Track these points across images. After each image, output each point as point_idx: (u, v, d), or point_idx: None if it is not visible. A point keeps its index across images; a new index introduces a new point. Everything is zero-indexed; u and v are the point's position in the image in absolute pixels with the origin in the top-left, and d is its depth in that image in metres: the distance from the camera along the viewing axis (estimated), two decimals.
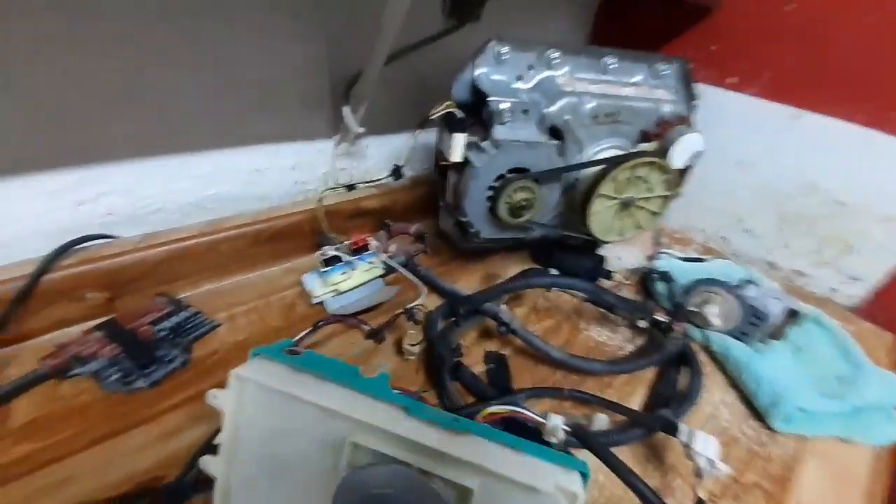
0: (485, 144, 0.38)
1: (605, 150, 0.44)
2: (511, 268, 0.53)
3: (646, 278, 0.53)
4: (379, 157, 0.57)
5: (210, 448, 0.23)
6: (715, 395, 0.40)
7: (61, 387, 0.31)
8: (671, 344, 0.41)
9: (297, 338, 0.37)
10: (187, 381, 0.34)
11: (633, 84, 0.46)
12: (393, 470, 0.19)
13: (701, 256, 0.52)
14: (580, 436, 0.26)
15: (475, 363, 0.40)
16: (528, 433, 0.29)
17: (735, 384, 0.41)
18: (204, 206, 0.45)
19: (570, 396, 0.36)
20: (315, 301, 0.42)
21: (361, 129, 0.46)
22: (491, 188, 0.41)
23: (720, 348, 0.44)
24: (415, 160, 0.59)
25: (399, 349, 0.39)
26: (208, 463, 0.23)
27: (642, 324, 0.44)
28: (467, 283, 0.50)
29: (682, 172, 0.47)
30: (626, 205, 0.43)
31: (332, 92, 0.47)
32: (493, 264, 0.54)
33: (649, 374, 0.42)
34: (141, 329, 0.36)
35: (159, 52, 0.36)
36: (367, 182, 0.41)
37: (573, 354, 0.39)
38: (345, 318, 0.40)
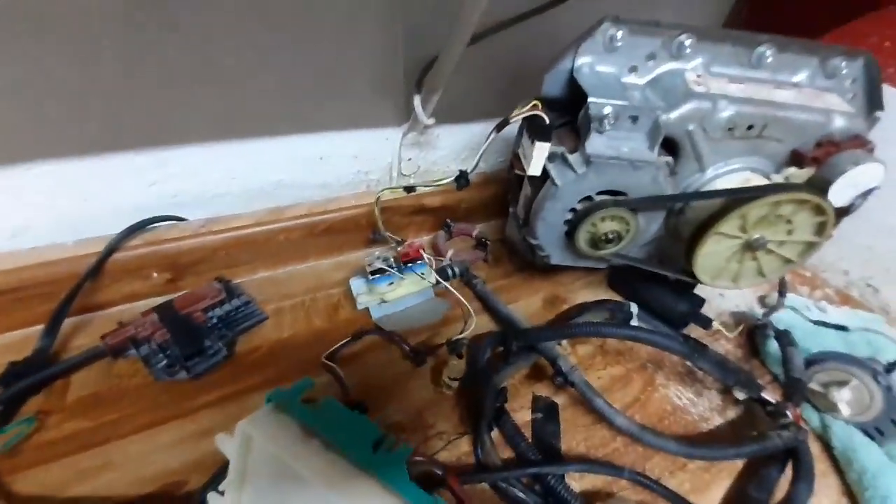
0: (573, 158, 0.31)
1: (736, 172, 0.34)
2: (581, 293, 0.46)
3: (755, 332, 0.42)
4: (451, 148, 0.51)
5: (217, 480, 0.22)
6: None
7: (116, 366, 0.33)
8: (779, 436, 0.32)
9: (332, 349, 0.35)
10: (227, 377, 0.34)
11: (794, 85, 0.34)
12: None
13: (842, 324, 0.40)
14: None
15: (521, 408, 0.35)
16: None
17: (854, 495, 0.32)
18: (267, 191, 0.44)
19: (630, 478, 0.30)
20: (360, 307, 0.40)
21: (431, 121, 0.41)
22: (572, 209, 0.33)
23: (843, 446, 0.34)
24: (488, 153, 0.52)
25: (437, 377, 0.35)
26: (214, 501, 0.22)
27: (741, 395, 0.35)
28: (527, 304, 0.44)
29: (842, 212, 0.35)
30: (751, 246, 0.33)
31: (405, 78, 0.42)
32: (560, 285, 0.47)
33: (739, 463, 0.34)
34: (194, 315, 0.36)
35: (235, 35, 0.34)
36: (427, 184, 0.36)
37: (643, 426, 0.32)
38: (385, 334, 0.37)
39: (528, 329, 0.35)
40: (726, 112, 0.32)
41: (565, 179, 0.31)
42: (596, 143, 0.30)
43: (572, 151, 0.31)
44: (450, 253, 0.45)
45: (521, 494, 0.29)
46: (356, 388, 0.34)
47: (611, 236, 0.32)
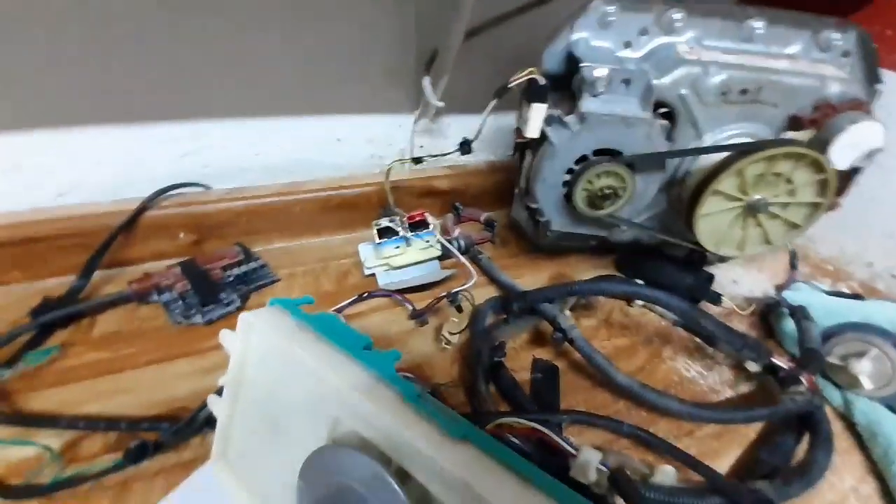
0: (568, 119, 0.32)
1: (734, 138, 0.35)
2: (588, 274, 0.46)
3: (770, 312, 0.41)
4: (460, 137, 0.54)
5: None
6: (846, 481, 0.29)
7: (140, 310, 0.36)
8: (793, 400, 0.31)
9: (339, 305, 0.36)
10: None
11: (788, 56, 0.35)
12: (365, 463, 0.16)
13: (859, 294, 0.39)
14: (621, 484, 0.19)
15: (520, 369, 0.35)
16: (554, 466, 0.23)
17: (879, 472, 0.30)
18: (287, 168, 0.47)
19: (629, 433, 0.29)
20: (367, 272, 0.41)
21: (440, 103, 0.44)
22: (569, 171, 0.35)
23: (866, 420, 0.32)
24: (495, 144, 0.55)
25: (439, 335, 0.36)
26: (214, 402, 0.23)
27: (753, 367, 0.34)
28: (532, 280, 0.44)
29: (846, 176, 0.35)
30: (752, 209, 0.34)
31: (416, 65, 0.45)
32: (565, 265, 0.47)
33: (751, 432, 0.32)
34: (213, 271, 0.39)
35: (261, 18, 0.39)
36: (434, 155, 0.38)
37: (645, 384, 0.31)
38: (391, 294, 0.38)
39: (529, 291, 0.36)
40: (718, 76, 0.33)
41: (561, 137, 0.33)
42: (590, 103, 0.32)
43: (568, 114, 0.33)
44: (457, 232, 0.47)
45: (515, 440, 0.28)
46: None
47: (607, 191, 0.33)
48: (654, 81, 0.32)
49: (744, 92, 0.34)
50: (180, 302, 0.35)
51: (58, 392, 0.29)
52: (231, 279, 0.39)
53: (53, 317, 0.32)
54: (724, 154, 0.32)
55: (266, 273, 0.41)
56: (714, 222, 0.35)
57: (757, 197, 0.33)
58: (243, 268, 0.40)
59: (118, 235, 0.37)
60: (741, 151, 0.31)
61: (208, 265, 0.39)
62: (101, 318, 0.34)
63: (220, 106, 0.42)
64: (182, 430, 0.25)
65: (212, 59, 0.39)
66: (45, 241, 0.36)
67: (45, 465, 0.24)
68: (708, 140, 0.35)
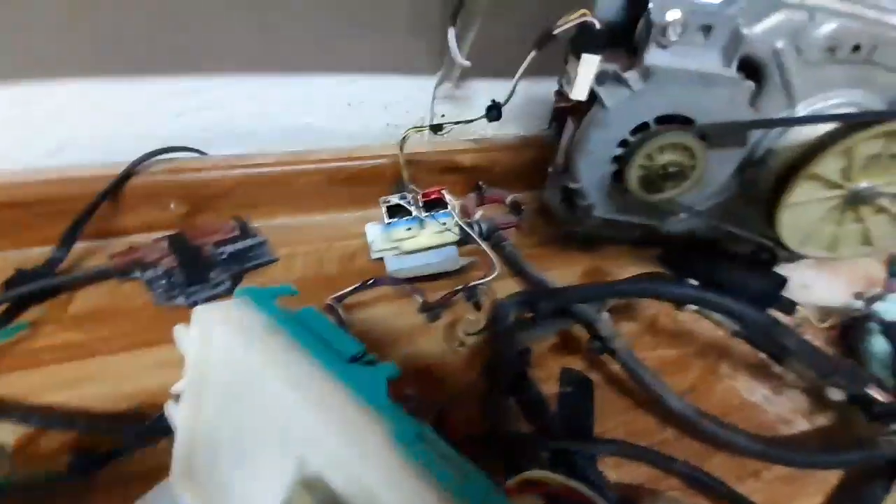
0: (628, 75, 0.26)
1: (836, 108, 0.27)
2: (629, 269, 0.40)
3: (854, 326, 0.34)
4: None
5: None
6: None
7: (122, 287, 0.32)
8: (890, 443, 0.25)
9: (339, 293, 0.32)
10: None
11: None
12: None
13: None
14: None
15: (546, 378, 0.29)
16: None
17: None
18: (293, 135, 0.42)
19: (683, 473, 0.24)
20: (374, 256, 0.36)
21: (466, 62, 0.38)
22: (623, 143, 0.28)
23: None
24: (528, 115, 0.48)
25: (452, 334, 0.31)
26: (171, 412, 0.19)
27: (836, 395, 0.28)
28: (562, 275, 0.39)
29: None
30: (855, 200, 0.27)
31: (441, 16, 0.39)
32: (602, 258, 0.41)
33: (830, 476, 0.26)
34: (204, 247, 0.35)
35: None
36: (457, 122, 0.32)
37: (704, 412, 0.25)
38: (399, 283, 0.33)
39: (562, 288, 0.30)
40: (826, 26, 0.26)
41: (617, 99, 0.26)
42: (657, 55, 0.25)
43: (626, 70, 0.27)
44: (478, 214, 0.41)
45: None
46: (360, 337, 0.30)
47: (671, 170, 0.26)
48: (743, 30, 0.25)
49: (856, 49, 0.26)
50: (164, 280, 0.32)
51: (21, 376, 0.26)
52: (224, 257, 0.35)
53: (22, 291, 0.28)
54: (828, 128, 0.25)
55: (263, 251, 0.37)
56: (802, 214, 0.28)
57: (864, 185, 0.26)
58: (238, 245, 0.36)
59: (101, 202, 0.33)
60: (855, 124, 0.24)
61: (199, 240, 0.35)
62: (80, 293, 0.31)
63: (221, 59, 0.37)
64: (144, 435, 0.21)
65: (214, 6, 0.34)
66: (24, 207, 0.33)
67: None
68: (802, 110, 0.28)
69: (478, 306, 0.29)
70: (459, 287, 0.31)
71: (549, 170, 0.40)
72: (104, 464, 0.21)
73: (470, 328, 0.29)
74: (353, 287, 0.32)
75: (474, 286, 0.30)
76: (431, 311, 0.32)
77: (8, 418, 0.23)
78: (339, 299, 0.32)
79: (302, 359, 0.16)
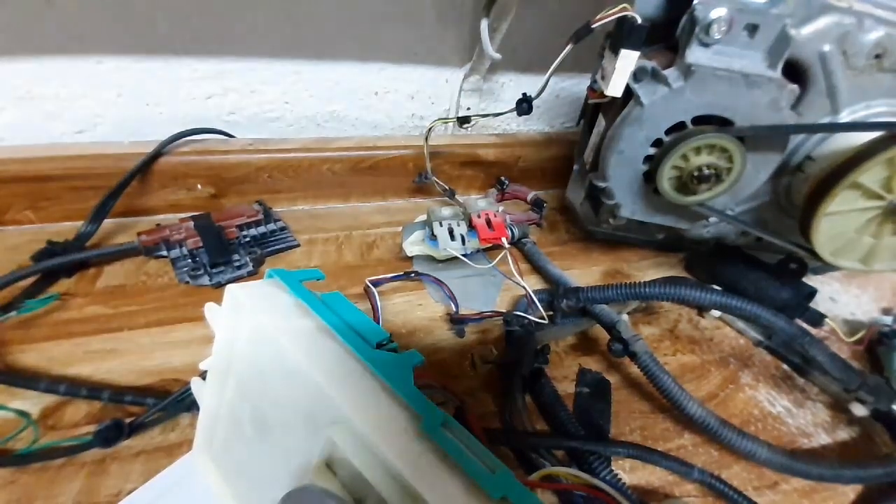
0: (668, 72, 0.25)
1: (880, 117, 0.26)
2: (651, 273, 0.39)
3: (882, 342, 0.33)
4: (513, 101, 0.47)
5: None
6: None
7: (148, 264, 0.33)
8: None
9: (377, 277, 0.32)
10: None
11: None
12: None
13: None
14: None
15: (562, 378, 0.29)
16: None
17: None
18: (320, 122, 0.43)
19: (701, 481, 0.23)
20: (409, 253, 0.35)
21: (497, 55, 0.37)
22: (657, 142, 0.28)
23: None
24: (555, 112, 0.47)
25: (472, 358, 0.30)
26: (198, 388, 0.20)
27: (859, 411, 0.27)
28: (582, 275, 0.38)
29: None
30: (894, 213, 0.26)
31: (473, 7, 0.39)
32: (622, 260, 0.40)
33: (849, 490, 0.25)
34: (228, 229, 0.35)
35: None
36: (485, 115, 0.32)
37: (725, 420, 0.25)
38: (440, 287, 0.33)
39: (583, 287, 0.30)
40: (875, 33, 0.25)
41: (654, 96, 0.25)
42: (699, 53, 0.24)
43: (665, 68, 0.26)
44: (499, 209, 0.41)
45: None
46: (384, 326, 0.30)
47: (706, 173, 0.26)
48: (790, 31, 0.24)
49: None
50: (189, 260, 0.32)
51: (50, 347, 0.26)
52: (247, 240, 0.35)
53: (52, 264, 0.29)
54: (871, 136, 0.24)
55: (286, 236, 0.37)
56: (839, 225, 0.27)
57: None
58: (261, 228, 0.36)
59: (132, 180, 0.34)
60: None
61: (224, 222, 0.35)
62: (108, 269, 0.32)
63: (251, 44, 0.37)
64: (167, 408, 0.22)
65: None
66: (55, 180, 0.33)
67: (22, 429, 0.21)
68: (845, 115, 0.27)
69: (508, 337, 0.28)
70: (495, 312, 0.31)
71: (575, 167, 0.39)
72: (128, 435, 0.21)
73: (486, 356, 0.29)
74: (394, 275, 0.33)
75: (511, 314, 0.29)
76: (458, 325, 0.31)
77: (35, 387, 0.23)
78: (376, 284, 0.32)
79: (330, 342, 0.16)
